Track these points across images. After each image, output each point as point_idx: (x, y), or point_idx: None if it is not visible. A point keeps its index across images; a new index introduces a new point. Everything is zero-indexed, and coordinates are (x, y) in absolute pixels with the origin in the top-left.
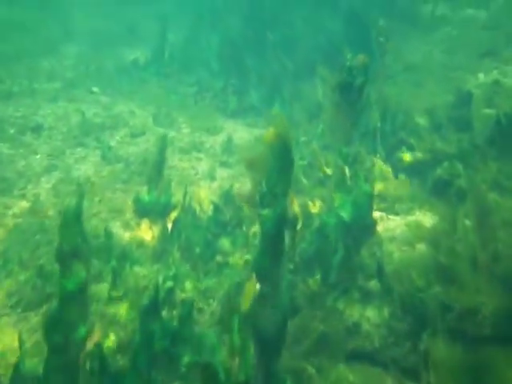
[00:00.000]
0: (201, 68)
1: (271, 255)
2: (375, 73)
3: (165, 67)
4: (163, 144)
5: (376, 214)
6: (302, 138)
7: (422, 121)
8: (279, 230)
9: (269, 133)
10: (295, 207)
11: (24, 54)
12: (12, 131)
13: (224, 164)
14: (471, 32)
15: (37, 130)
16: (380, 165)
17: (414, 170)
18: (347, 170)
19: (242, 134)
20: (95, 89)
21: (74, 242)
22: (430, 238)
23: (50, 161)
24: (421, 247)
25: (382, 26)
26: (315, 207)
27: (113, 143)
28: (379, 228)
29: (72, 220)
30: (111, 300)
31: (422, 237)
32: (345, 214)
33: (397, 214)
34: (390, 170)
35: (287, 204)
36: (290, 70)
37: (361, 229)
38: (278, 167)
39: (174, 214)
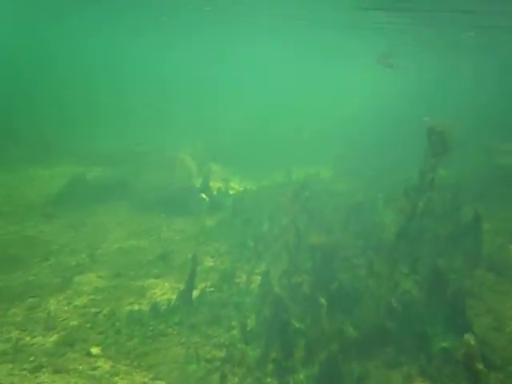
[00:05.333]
0: (234, 319)
1: None
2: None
3: (190, 315)
4: None
5: None
6: None
7: None
8: None
9: None
10: None
11: (32, 289)
12: None
13: None
14: None
15: None
16: None
17: None
18: None
19: None
20: (94, 350)
21: None
22: None
23: None
24: None
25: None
26: None
27: None
28: None
29: None
30: None
31: None
32: None
33: None
34: None
35: None
36: (352, 337)
37: None
38: None
39: None
